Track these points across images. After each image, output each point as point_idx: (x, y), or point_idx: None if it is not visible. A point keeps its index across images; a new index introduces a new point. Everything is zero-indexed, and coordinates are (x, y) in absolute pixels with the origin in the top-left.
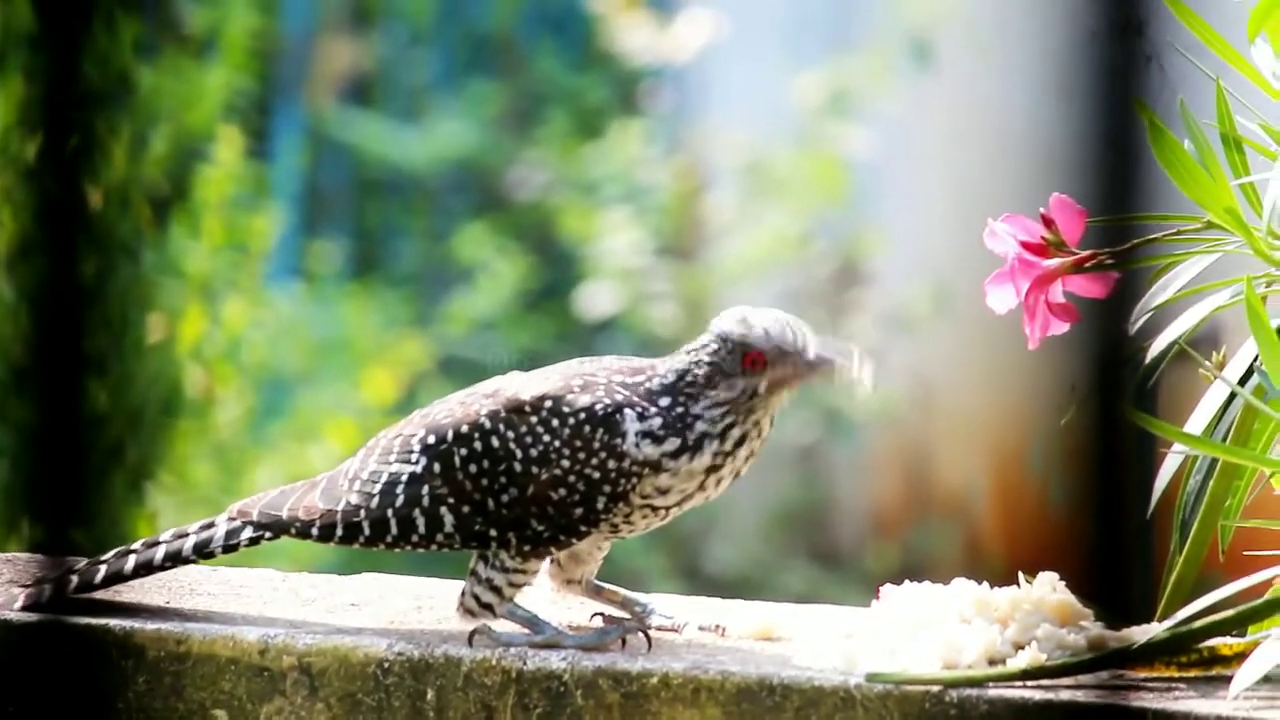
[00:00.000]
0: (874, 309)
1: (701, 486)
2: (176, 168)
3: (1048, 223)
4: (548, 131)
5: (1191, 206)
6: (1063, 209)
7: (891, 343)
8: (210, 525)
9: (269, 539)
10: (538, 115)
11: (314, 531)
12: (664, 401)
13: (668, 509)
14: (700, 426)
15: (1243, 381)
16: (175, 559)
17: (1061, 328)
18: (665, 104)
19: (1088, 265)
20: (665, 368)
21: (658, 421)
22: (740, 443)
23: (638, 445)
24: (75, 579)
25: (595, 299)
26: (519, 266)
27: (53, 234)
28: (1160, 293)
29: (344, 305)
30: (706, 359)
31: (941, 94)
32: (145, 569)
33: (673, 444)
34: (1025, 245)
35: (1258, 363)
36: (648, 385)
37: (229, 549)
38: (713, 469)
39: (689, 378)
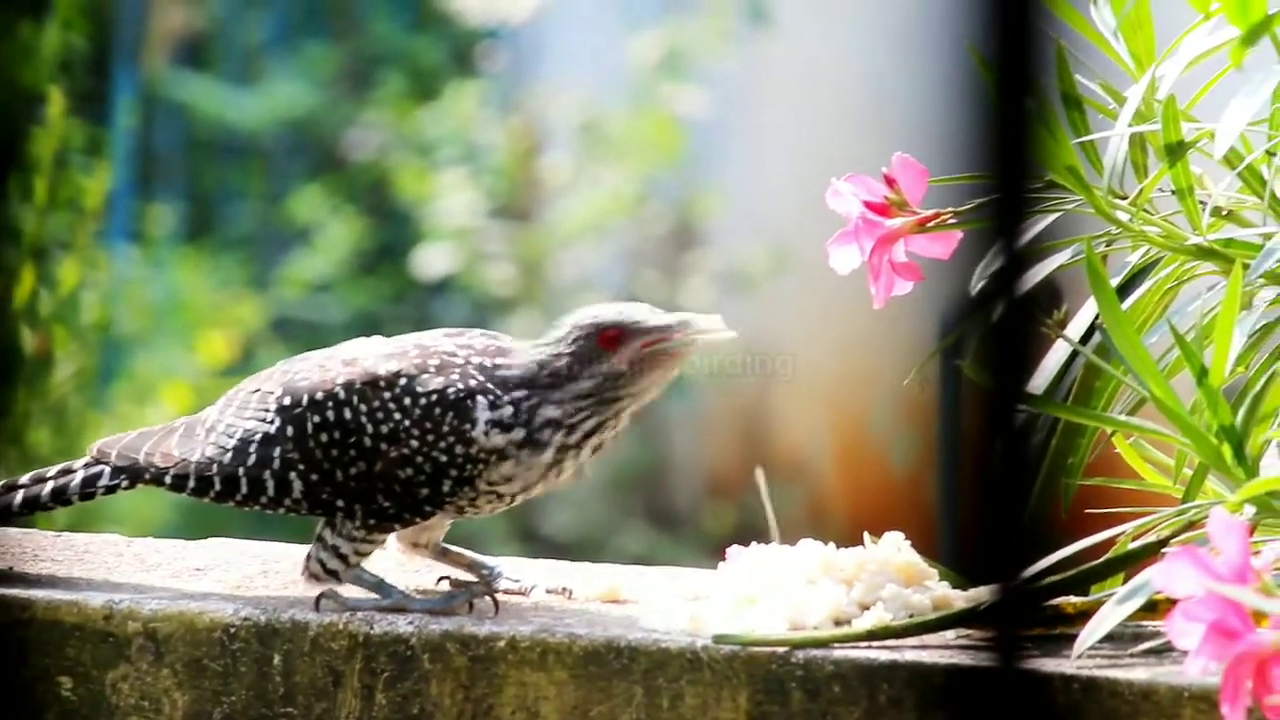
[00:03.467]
0: (711, 269)
1: (543, 478)
2: (7, 128)
3: (890, 182)
4: (383, 92)
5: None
6: (905, 168)
7: (729, 303)
8: (69, 470)
9: (125, 487)
10: (373, 76)
11: (167, 480)
12: (519, 392)
13: (513, 495)
14: (549, 412)
15: (1084, 340)
16: (34, 505)
17: (905, 287)
18: (500, 64)
19: (930, 225)
20: (527, 357)
21: (509, 410)
22: (591, 433)
23: (487, 434)
24: None
25: (431, 260)
26: (355, 228)
27: None
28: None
29: (179, 267)
30: (566, 350)
31: (780, 53)
32: (4, 514)
33: (519, 434)
34: (868, 205)
35: (1098, 321)
36: (505, 373)
37: (86, 496)
38: (555, 464)
39: (549, 369)
